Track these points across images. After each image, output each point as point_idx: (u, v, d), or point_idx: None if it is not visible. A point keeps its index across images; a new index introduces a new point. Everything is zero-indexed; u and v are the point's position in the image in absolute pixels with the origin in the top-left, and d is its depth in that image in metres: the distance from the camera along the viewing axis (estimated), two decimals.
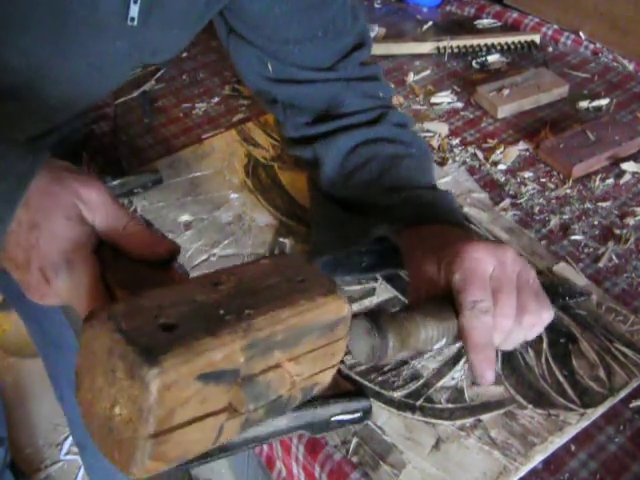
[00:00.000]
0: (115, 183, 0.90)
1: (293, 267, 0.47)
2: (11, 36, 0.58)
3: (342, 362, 0.50)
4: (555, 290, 0.74)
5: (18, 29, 0.58)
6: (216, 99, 1.11)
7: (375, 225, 0.69)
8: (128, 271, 0.51)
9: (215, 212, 0.89)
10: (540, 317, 0.57)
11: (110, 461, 0.41)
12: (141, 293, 0.43)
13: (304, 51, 0.78)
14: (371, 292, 0.77)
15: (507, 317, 0.55)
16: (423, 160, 0.78)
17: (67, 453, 1.68)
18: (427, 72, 1.14)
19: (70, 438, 1.68)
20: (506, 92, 1.04)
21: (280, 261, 0.49)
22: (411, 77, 1.13)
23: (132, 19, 0.62)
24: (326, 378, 0.48)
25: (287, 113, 0.82)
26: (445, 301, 0.56)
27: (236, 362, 0.40)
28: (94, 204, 0.49)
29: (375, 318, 0.52)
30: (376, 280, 0.77)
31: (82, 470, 1.62)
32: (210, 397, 0.40)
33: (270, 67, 0.79)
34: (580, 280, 0.77)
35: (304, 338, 0.44)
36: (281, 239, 0.85)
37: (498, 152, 0.96)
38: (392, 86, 1.10)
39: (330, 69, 0.79)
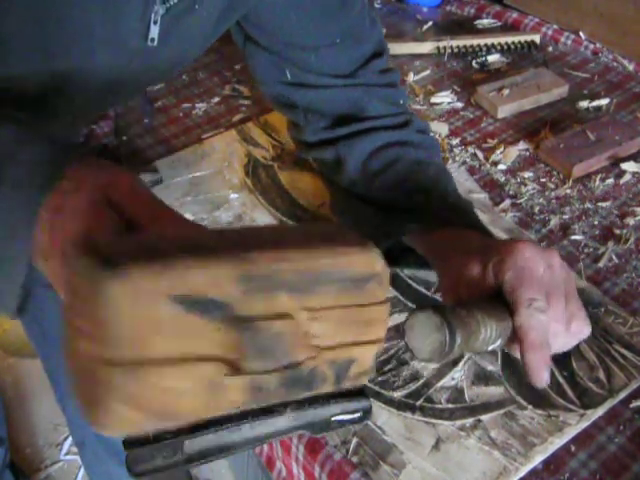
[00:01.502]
0: None
1: (322, 227, 0.43)
2: (26, 51, 0.58)
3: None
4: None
5: (34, 44, 0.58)
6: (216, 99, 1.11)
7: (401, 223, 0.68)
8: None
9: (215, 212, 0.89)
10: (585, 327, 0.56)
11: (85, 418, 0.36)
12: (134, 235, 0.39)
13: (322, 58, 0.77)
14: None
15: (558, 322, 0.53)
16: (445, 169, 0.77)
17: (67, 453, 1.68)
18: (427, 72, 1.14)
19: (70, 438, 1.68)
20: (506, 92, 1.04)
21: (311, 223, 0.42)
22: (411, 77, 1.13)
23: (152, 40, 0.61)
24: (366, 356, 0.41)
25: (308, 117, 0.80)
26: (497, 301, 0.53)
27: (226, 294, 0.34)
28: (123, 188, 0.48)
29: (442, 312, 0.47)
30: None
31: (82, 470, 1.62)
32: (195, 332, 0.33)
33: (288, 74, 0.78)
34: (579, 282, 0.77)
35: (321, 287, 0.37)
36: None
37: (498, 152, 0.96)
38: None
39: (349, 76, 0.78)
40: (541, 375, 0.52)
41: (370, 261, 0.39)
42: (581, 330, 0.55)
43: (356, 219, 0.76)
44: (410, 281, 0.78)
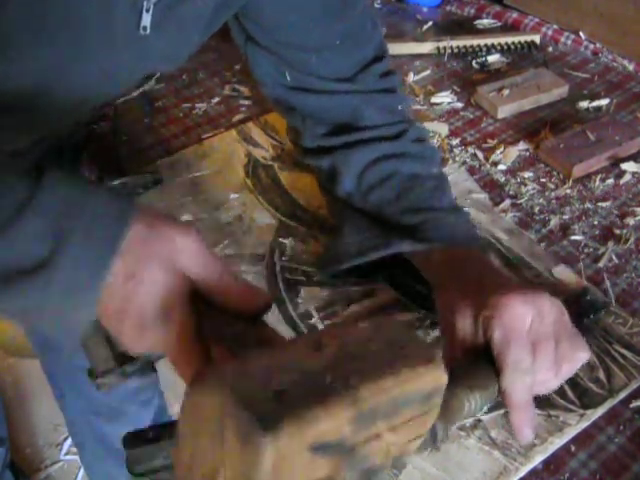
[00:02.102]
0: (115, 183, 0.90)
1: (393, 332, 0.47)
2: (25, 41, 0.58)
3: None
4: (578, 308, 0.74)
5: (32, 35, 0.58)
6: (216, 99, 1.11)
7: (396, 239, 0.68)
8: (222, 324, 0.49)
9: (215, 212, 0.89)
10: (577, 361, 0.57)
11: None
12: (247, 356, 0.43)
13: (323, 60, 0.76)
14: (370, 293, 0.76)
15: (546, 370, 0.55)
16: (442, 178, 0.77)
17: (67, 453, 1.67)
18: (427, 72, 1.14)
19: (70, 438, 1.68)
20: (506, 92, 1.04)
21: (380, 325, 0.48)
22: (411, 77, 1.13)
23: (144, 28, 0.62)
24: (413, 447, 0.46)
25: (306, 122, 0.80)
26: (484, 361, 0.55)
27: (343, 433, 0.40)
28: (190, 253, 0.48)
29: None
30: (376, 281, 0.77)
31: (82, 470, 1.62)
32: (315, 468, 0.40)
33: (288, 76, 0.78)
34: (579, 280, 0.77)
35: (404, 408, 0.43)
36: (281, 239, 0.85)
37: (498, 152, 0.96)
38: None
39: (349, 80, 0.78)
40: (525, 433, 0.54)
41: (440, 376, 0.44)
42: (572, 369, 0.56)
43: (352, 229, 0.76)
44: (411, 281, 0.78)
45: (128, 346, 0.50)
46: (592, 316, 0.73)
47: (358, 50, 0.78)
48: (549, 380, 0.55)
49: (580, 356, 0.56)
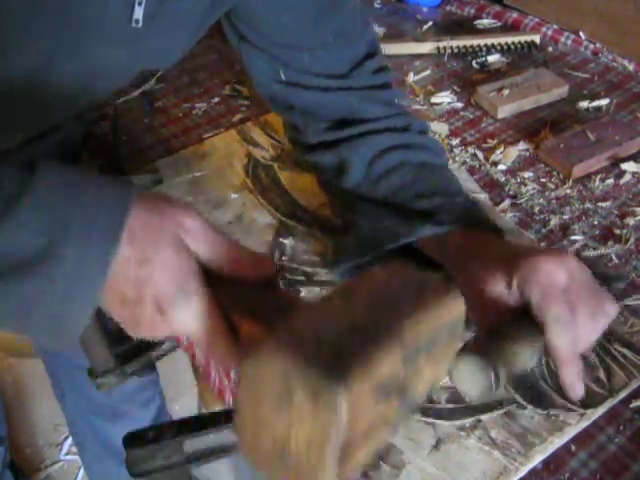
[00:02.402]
0: None
1: (405, 273, 0.48)
2: (15, 31, 0.58)
3: None
4: (605, 279, 0.74)
5: (24, 27, 0.58)
6: (216, 99, 1.11)
7: (418, 225, 0.68)
8: (239, 296, 0.50)
9: (215, 212, 0.89)
10: (608, 315, 0.58)
11: None
12: (288, 320, 0.43)
13: (316, 58, 0.77)
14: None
15: (585, 326, 0.56)
16: (449, 169, 0.77)
17: (67, 453, 1.68)
18: (427, 72, 1.14)
19: (70, 438, 1.68)
20: (506, 92, 1.04)
21: (392, 270, 0.49)
22: (411, 77, 1.13)
23: (136, 21, 0.62)
24: (443, 375, 0.49)
25: (306, 118, 0.80)
26: (526, 319, 0.56)
27: (398, 372, 0.42)
28: (196, 232, 0.48)
29: (481, 354, 0.52)
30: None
31: (82, 470, 1.62)
32: (380, 412, 0.41)
33: (282, 74, 0.78)
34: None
35: (438, 339, 0.45)
36: (281, 239, 0.85)
37: (498, 152, 0.96)
38: None
39: (343, 77, 0.78)
40: (576, 389, 0.56)
41: (461, 304, 0.46)
42: (604, 323, 0.58)
43: (366, 219, 0.75)
44: None
45: (148, 333, 0.49)
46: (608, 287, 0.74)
47: (350, 48, 0.78)
48: (588, 335, 0.56)
49: (611, 309, 0.58)
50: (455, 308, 0.46)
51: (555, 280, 0.56)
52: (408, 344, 0.42)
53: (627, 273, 0.78)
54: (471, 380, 0.52)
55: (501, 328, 0.56)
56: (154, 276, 0.46)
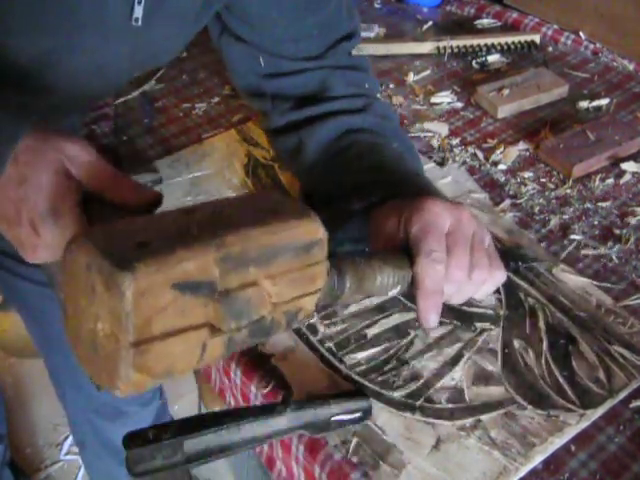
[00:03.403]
0: None
1: (269, 199, 0.50)
2: (15, 29, 0.58)
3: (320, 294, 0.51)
4: (509, 255, 0.79)
5: (26, 22, 0.58)
6: (216, 99, 1.11)
7: (350, 202, 0.70)
8: (114, 219, 0.51)
9: None
10: (491, 275, 0.60)
11: (97, 382, 0.43)
12: (116, 222, 0.45)
13: (298, 47, 0.79)
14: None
15: (459, 269, 0.58)
16: (405, 153, 0.78)
17: (67, 453, 1.68)
18: (427, 72, 1.14)
19: (70, 438, 1.68)
20: (506, 92, 1.04)
21: (257, 195, 0.51)
22: (411, 77, 1.13)
23: (136, 19, 0.63)
24: (309, 304, 0.49)
25: (275, 103, 0.83)
26: (402, 251, 0.59)
27: (211, 274, 0.42)
28: (79, 159, 0.52)
29: (334, 261, 0.54)
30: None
31: (82, 470, 1.62)
32: (188, 309, 0.42)
33: (262, 61, 0.80)
34: (579, 280, 0.77)
35: (279, 257, 0.45)
36: None
37: (498, 152, 0.96)
38: (391, 86, 1.11)
39: (319, 57, 0.81)
40: (429, 318, 0.58)
41: (315, 229, 0.47)
42: (485, 279, 0.60)
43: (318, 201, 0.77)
44: None
45: (30, 254, 0.53)
46: (520, 263, 0.78)
47: (332, 34, 0.81)
48: (462, 281, 0.58)
49: (496, 274, 0.60)
50: (307, 231, 0.47)
51: (438, 221, 0.58)
52: (228, 250, 0.42)
53: (627, 273, 0.78)
54: None
55: (373, 252, 0.59)
56: (29, 196, 0.50)
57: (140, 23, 0.63)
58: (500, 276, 0.61)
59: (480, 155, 0.96)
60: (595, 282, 0.77)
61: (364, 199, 0.68)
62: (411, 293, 0.59)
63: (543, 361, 0.69)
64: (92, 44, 0.63)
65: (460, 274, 0.58)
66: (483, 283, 0.60)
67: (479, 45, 1.17)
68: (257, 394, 0.68)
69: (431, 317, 0.58)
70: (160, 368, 0.42)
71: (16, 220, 0.51)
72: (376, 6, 1.35)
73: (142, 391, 0.42)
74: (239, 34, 0.79)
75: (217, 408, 1.61)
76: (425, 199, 0.59)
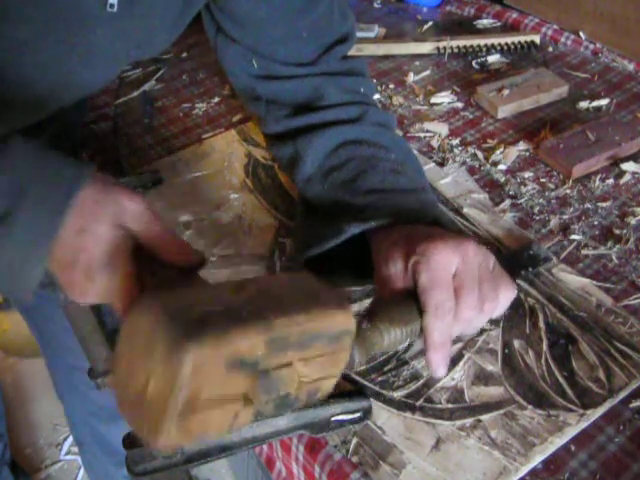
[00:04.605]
0: None
1: (309, 283, 0.53)
2: None
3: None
4: (519, 261, 0.79)
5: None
6: (216, 99, 1.11)
7: (348, 224, 0.69)
8: (161, 275, 0.57)
9: (215, 212, 0.89)
10: (502, 298, 0.61)
11: (139, 434, 0.46)
12: (176, 288, 0.50)
13: (289, 49, 0.80)
14: (371, 293, 0.77)
15: (469, 309, 0.59)
16: (404, 163, 0.77)
17: (67, 453, 1.68)
18: (427, 72, 1.14)
19: (70, 438, 1.68)
20: (506, 92, 1.04)
21: (296, 276, 0.55)
22: (411, 77, 1.13)
23: (112, 5, 0.63)
24: (328, 386, 0.53)
25: (269, 108, 0.83)
26: (411, 300, 0.60)
27: (257, 355, 0.46)
28: (135, 213, 0.55)
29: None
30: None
31: (82, 470, 1.62)
32: (232, 383, 0.46)
33: (255, 63, 0.81)
34: (579, 281, 0.77)
35: (315, 342, 0.49)
36: (281, 239, 0.85)
37: (498, 152, 0.96)
38: (391, 86, 1.11)
39: (312, 64, 0.81)
40: (439, 371, 0.60)
41: (349, 320, 0.51)
42: (494, 307, 0.61)
43: (308, 218, 0.78)
44: None
45: (78, 295, 0.55)
46: (533, 269, 0.78)
47: (324, 38, 0.81)
48: (473, 318, 0.59)
49: (504, 294, 0.61)
50: (341, 321, 0.50)
51: (445, 266, 0.59)
52: (274, 333, 0.46)
53: (627, 273, 0.78)
54: None
55: (379, 307, 0.60)
56: (88, 245, 0.52)
57: (115, 9, 0.63)
58: (510, 294, 0.62)
59: (480, 155, 0.96)
60: (595, 282, 0.77)
61: (363, 223, 0.68)
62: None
63: (543, 361, 0.69)
64: (69, 31, 0.64)
65: (470, 313, 0.59)
66: (493, 311, 0.61)
67: (479, 45, 1.17)
68: None
69: (440, 369, 0.60)
70: (197, 431, 0.46)
71: (71, 266, 0.53)
72: (376, 6, 1.35)
73: (175, 448, 0.49)
74: (232, 35, 0.80)
75: None
76: (429, 245, 0.59)
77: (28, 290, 0.53)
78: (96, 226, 0.53)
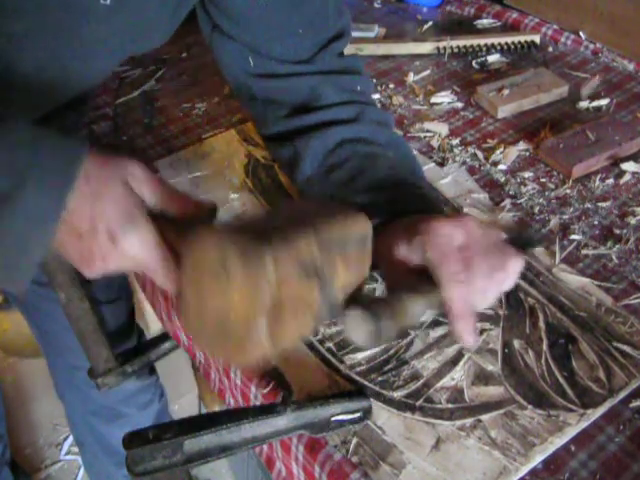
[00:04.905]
0: None
1: (326, 202, 0.60)
2: None
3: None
4: (520, 240, 0.79)
5: None
6: (216, 99, 1.11)
7: None
8: (177, 228, 0.58)
9: None
10: (510, 267, 0.62)
11: (221, 357, 0.49)
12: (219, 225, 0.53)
13: (285, 46, 0.80)
14: (371, 293, 0.76)
15: (482, 279, 0.60)
16: (402, 161, 0.78)
17: (67, 453, 1.68)
18: (427, 72, 1.14)
19: (70, 438, 1.68)
20: (506, 92, 1.04)
21: (322, 202, 0.61)
22: (411, 77, 1.13)
23: None
24: (357, 280, 0.57)
25: (266, 108, 0.83)
26: (424, 276, 0.61)
27: (315, 257, 0.50)
28: (141, 177, 0.56)
29: (368, 306, 0.57)
30: (376, 280, 0.77)
31: (82, 470, 1.62)
32: (304, 291, 0.49)
33: (251, 61, 0.81)
34: (579, 280, 0.77)
35: (348, 245, 0.53)
36: None
37: (498, 152, 0.96)
38: (391, 86, 1.11)
39: (308, 62, 0.81)
40: (469, 339, 0.60)
41: (368, 223, 0.56)
42: (505, 277, 0.61)
43: None
44: None
45: (101, 265, 0.55)
46: (526, 249, 0.77)
47: (319, 35, 0.81)
48: (487, 288, 0.60)
49: (512, 264, 0.61)
50: (361, 226, 0.55)
51: (451, 240, 0.60)
52: (321, 235, 0.50)
53: (627, 273, 0.78)
54: (355, 331, 0.57)
55: (399, 284, 0.62)
56: (106, 209, 0.53)
57: (109, 2, 0.63)
58: (518, 265, 0.62)
59: (480, 155, 0.96)
60: (595, 282, 0.77)
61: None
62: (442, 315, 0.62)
63: (543, 361, 0.69)
64: (64, 25, 0.64)
65: (483, 283, 0.60)
66: (504, 281, 0.62)
67: (479, 45, 1.17)
68: (257, 394, 0.68)
69: (469, 338, 0.60)
70: (283, 338, 0.49)
71: (90, 234, 0.53)
72: (376, 6, 1.35)
73: (264, 363, 0.51)
74: (227, 31, 0.80)
75: (217, 408, 1.61)
76: (431, 222, 0.61)
77: (24, 281, 0.53)
78: (111, 189, 0.53)
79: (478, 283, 0.59)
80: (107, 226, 0.53)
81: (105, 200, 0.53)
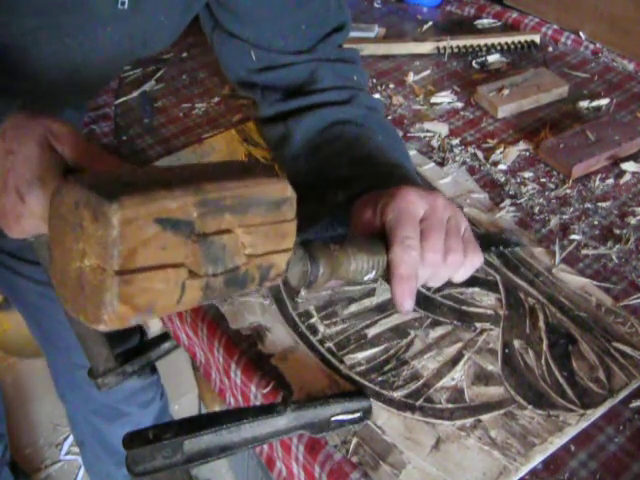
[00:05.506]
0: None
1: (243, 163, 0.55)
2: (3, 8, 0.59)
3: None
4: (490, 239, 0.81)
5: (6, 5, 0.59)
6: (216, 99, 1.11)
7: (333, 194, 0.71)
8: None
9: None
10: (467, 258, 0.62)
11: (82, 319, 0.45)
12: (102, 174, 0.49)
13: (287, 41, 0.81)
14: (371, 293, 0.77)
15: (434, 252, 0.60)
16: (389, 145, 0.79)
17: (67, 453, 1.68)
18: (427, 72, 1.14)
19: (70, 438, 1.68)
20: (506, 92, 1.04)
21: (231, 161, 0.58)
22: (411, 77, 1.13)
23: (122, 3, 0.64)
24: (281, 261, 0.53)
25: (264, 93, 0.84)
26: (378, 238, 0.61)
27: (189, 215, 0.45)
28: (62, 135, 0.55)
29: (309, 247, 0.57)
30: (376, 280, 0.77)
31: (82, 470, 1.63)
32: (169, 245, 0.45)
33: (253, 55, 0.82)
34: (579, 280, 0.77)
35: (251, 208, 0.49)
36: None
37: (498, 152, 0.96)
38: (391, 86, 1.11)
39: (309, 51, 0.82)
40: (405, 304, 0.60)
41: (284, 187, 0.51)
42: (460, 262, 0.61)
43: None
44: None
45: (13, 223, 0.55)
46: (502, 248, 0.80)
47: (321, 29, 0.82)
48: (437, 264, 0.60)
49: (470, 258, 0.62)
50: (278, 189, 0.51)
51: (412, 209, 0.60)
52: (205, 195, 0.46)
53: (627, 273, 0.78)
54: (292, 268, 0.55)
55: (348, 239, 0.61)
56: (16, 166, 0.53)
57: (126, 7, 0.64)
58: (477, 260, 0.63)
59: (480, 155, 0.96)
60: (595, 282, 0.77)
61: (347, 191, 0.70)
62: (387, 279, 0.61)
63: (543, 361, 0.69)
64: (77, 26, 0.64)
65: (435, 257, 0.60)
66: (459, 266, 0.62)
67: (479, 45, 1.17)
68: (257, 394, 0.68)
69: (406, 302, 0.60)
70: (143, 301, 0.44)
71: (2, 189, 0.53)
72: (376, 6, 1.35)
73: (125, 325, 0.44)
74: (230, 30, 0.81)
75: (217, 408, 1.61)
76: (400, 188, 0.61)
77: None
78: (23, 147, 0.53)
79: (429, 256, 0.59)
80: (15, 183, 0.53)
81: (17, 157, 0.53)
